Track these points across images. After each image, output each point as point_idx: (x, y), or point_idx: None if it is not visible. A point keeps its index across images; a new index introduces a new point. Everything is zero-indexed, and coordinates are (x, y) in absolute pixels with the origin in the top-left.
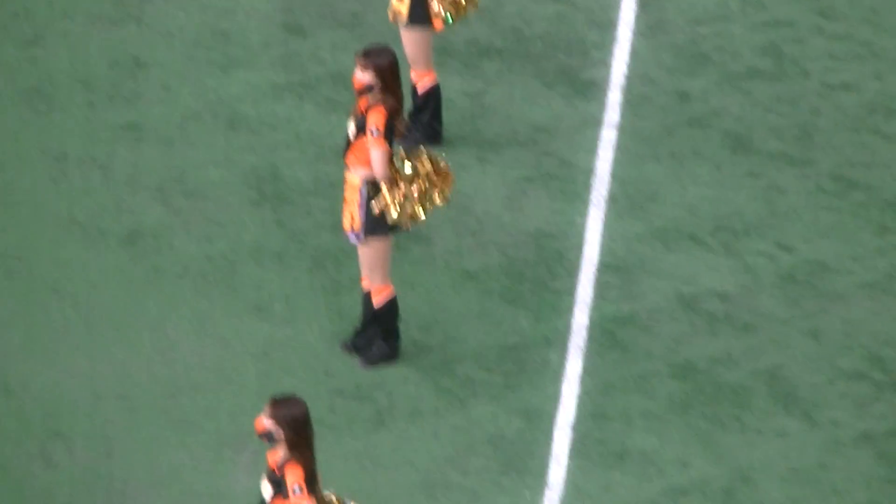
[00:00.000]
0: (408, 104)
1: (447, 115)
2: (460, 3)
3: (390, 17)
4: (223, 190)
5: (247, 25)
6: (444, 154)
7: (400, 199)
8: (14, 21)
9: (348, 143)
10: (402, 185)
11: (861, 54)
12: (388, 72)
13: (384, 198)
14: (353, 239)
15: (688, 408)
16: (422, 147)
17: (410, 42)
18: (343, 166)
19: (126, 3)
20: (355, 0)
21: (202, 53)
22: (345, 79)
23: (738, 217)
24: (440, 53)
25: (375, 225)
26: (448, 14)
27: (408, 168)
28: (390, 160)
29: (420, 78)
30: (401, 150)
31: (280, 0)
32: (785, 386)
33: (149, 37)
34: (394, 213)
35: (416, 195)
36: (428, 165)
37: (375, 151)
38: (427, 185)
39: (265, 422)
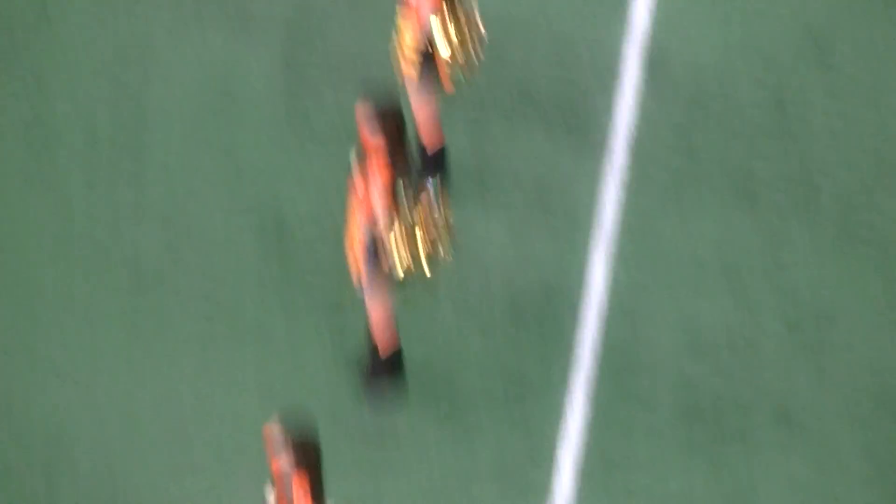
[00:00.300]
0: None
1: (453, 172)
2: (469, 63)
3: (399, 78)
4: (227, 240)
5: (250, 83)
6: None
7: (405, 256)
8: (14, 100)
9: (355, 199)
10: (408, 240)
11: (866, 108)
12: (393, 131)
13: (389, 253)
14: (360, 293)
15: (694, 451)
16: (424, 202)
17: (418, 103)
18: (348, 221)
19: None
20: (362, 59)
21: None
22: (350, 135)
23: (745, 267)
24: (443, 110)
25: (382, 278)
26: (459, 74)
27: (415, 223)
28: (395, 216)
29: (427, 136)
30: (408, 206)
31: (282, 58)
32: (792, 426)
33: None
34: (397, 270)
35: (421, 251)
36: (437, 220)
37: (380, 208)
38: (433, 241)
39: (282, 464)
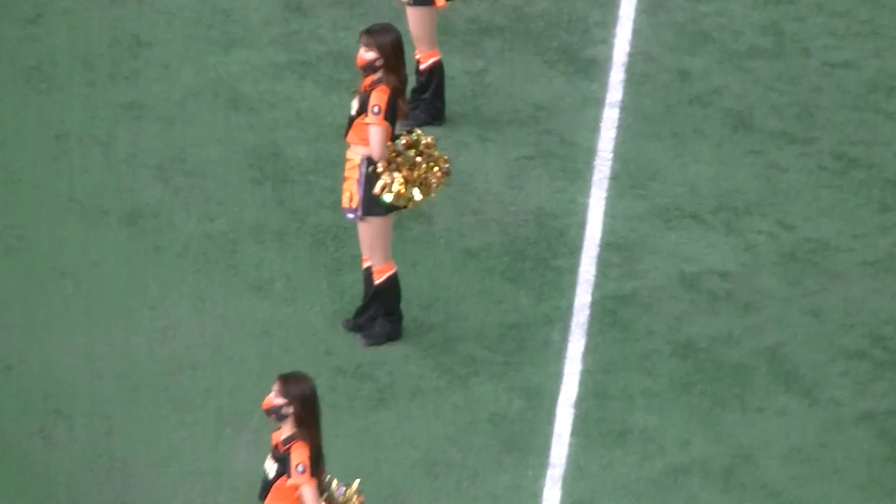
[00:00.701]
0: (411, 82)
1: (449, 94)
2: None
3: None
4: (223, 168)
5: (247, 4)
6: (445, 134)
7: (399, 180)
8: (14, 0)
9: (350, 122)
10: (401, 165)
11: (861, 32)
12: (391, 50)
13: (382, 177)
14: (351, 216)
15: (689, 386)
16: (419, 130)
17: (415, 21)
18: (344, 145)
19: None
20: None
21: (202, 32)
22: (345, 58)
23: (740, 195)
24: (442, 32)
25: (373, 203)
26: None
27: (408, 149)
28: (389, 139)
29: (424, 57)
30: (403, 131)
31: None
32: (786, 365)
33: (149, 15)
34: (388, 195)
35: (415, 176)
36: (429, 148)
37: (374, 129)
38: (426, 167)
39: (274, 398)
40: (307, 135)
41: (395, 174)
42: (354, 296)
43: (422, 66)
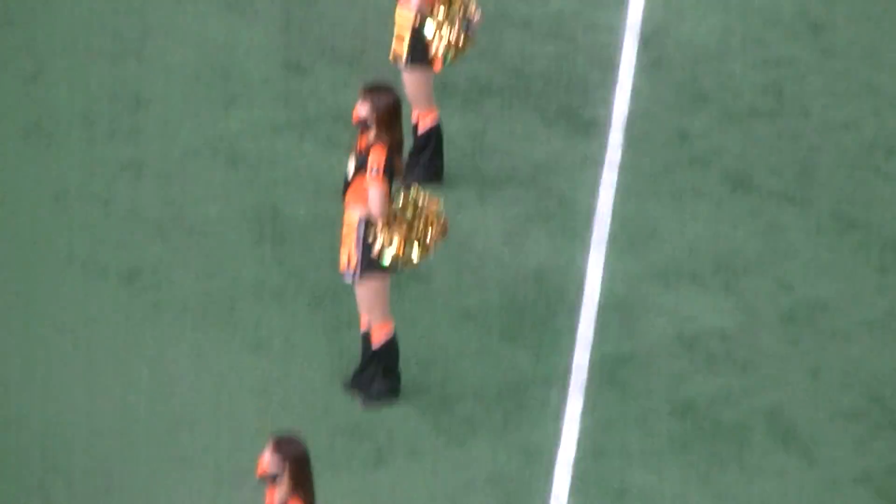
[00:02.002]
0: (409, 143)
1: (447, 153)
2: (458, 43)
3: (391, 58)
4: (222, 226)
5: (246, 62)
6: (444, 193)
7: (397, 240)
8: (15, 56)
9: (347, 182)
10: (399, 226)
11: (861, 92)
12: (385, 111)
13: (381, 237)
14: (349, 278)
15: (687, 446)
16: (418, 188)
17: (411, 82)
18: (342, 203)
19: (126, 39)
20: (355, 37)
21: (202, 90)
22: (344, 117)
23: (738, 255)
24: (441, 92)
25: (371, 264)
26: (447, 54)
27: (406, 209)
28: (388, 199)
29: (421, 117)
30: (401, 190)
31: (280, 36)
32: (784, 424)
33: (149, 73)
34: (388, 255)
35: (412, 237)
36: (429, 206)
37: (374, 190)
38: (424, 226)
39: (268, 461)
40: (306, 193)
41: (394, 234)
42: (353, 355)
43: (420, 127)
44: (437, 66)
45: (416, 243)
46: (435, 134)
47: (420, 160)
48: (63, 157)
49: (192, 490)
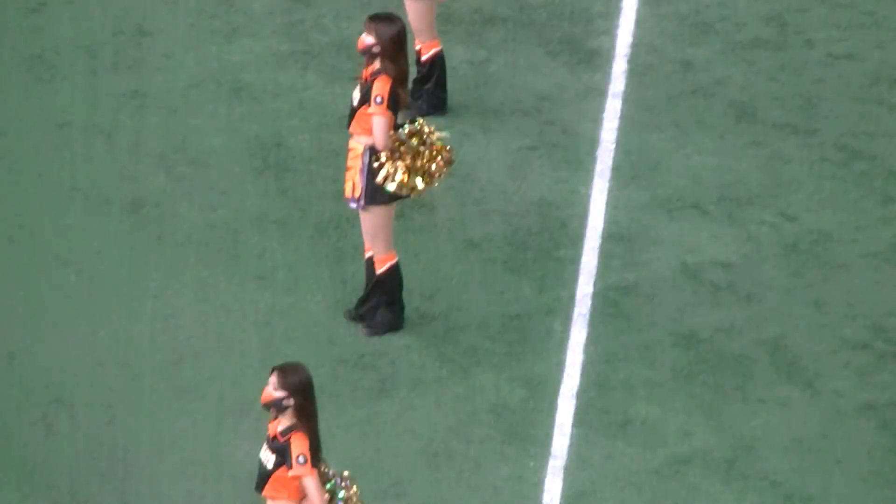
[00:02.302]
0: (413, 73)
1: (451, 84)
2: None
3: None
4: (226, 158)
5: None
6: (448, 124)
7: (402, 169)
8: None
9: (352, 111)
10: (404, 155)
11: (864, 24)
12: (390, 40)
13: (384, 167)
14: (353, 206)
15: (690, 377)
16: (422, 119)
17: (414, 12)
18: (346, 134)
19: None
20: None
21: (205, 22)
22: (348, 47)
23: (742, 186)
24: (444, 22)
25: (376, 192)
26: None
27: (411, 138)
28: (392, 129)
29: (424, 47)
30: (406, 120)
31: None
32: (787, 356)
33: (152, 4)
34: (391, 184)
35: (418, 165)
36: (432, 137)
37: (378, 119)
38: (429, 156)
39: (273, 390)
40: (310, 124)
41: (398, 163)
42: (356, 286)
43: (423, 58)
44: None
45: (420, 173)
46: (438, 64)
47: (423, 90)
48: (66, 89)
49: (196, 421)
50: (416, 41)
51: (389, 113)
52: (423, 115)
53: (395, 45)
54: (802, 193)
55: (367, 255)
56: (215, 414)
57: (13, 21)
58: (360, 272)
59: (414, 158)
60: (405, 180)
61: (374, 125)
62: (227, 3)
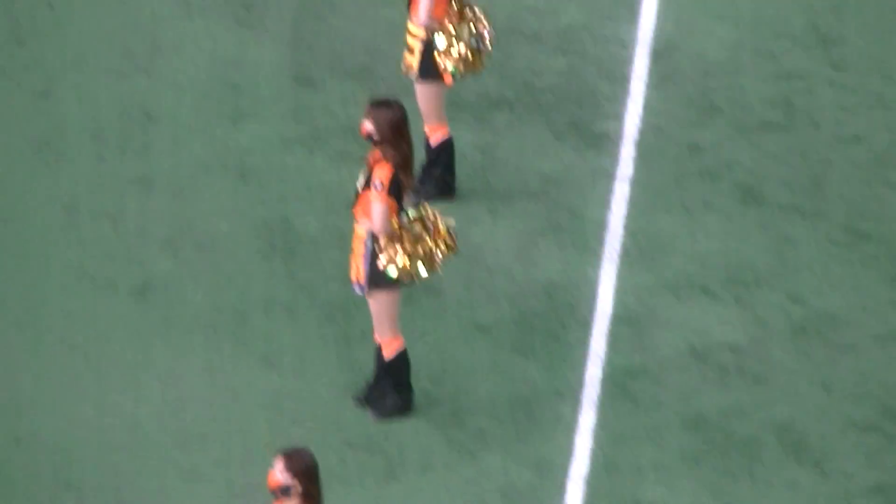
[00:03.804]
0: (421, 157)
1: (458, 168)
2: (470, 57)
3: (403, 70)
4: (233, 241)
5: (257, 77)
6: (455, 207)
7: (402, 255)
8: (25, 72)
9: (357, 195)
10: (405, 241)
11: (872, 105)
12: (388, 126)
13: (385, 252)
14: (358, 290)
15: (699, 460)
16: (427, 204)
17: (422, 96)
18: (353, 217)
19: (136, 56)
20: (365, 52)
21: (212, 106)
22: (354, 130)
23: (749, 268)
24: (452, 106)
25: (379, 278)
26: (456, 69)
27: (414, 224)
28: (393, 215)
29: (433, 132)
30: (410, 206)
31: (290, 52)
32: (796, 437)
33: (158, 89)
34: (393, 270)
35: (420, 252)
36: (437, 223)
37: (377, 206)
38: (432, 242)
39: (279, 475)
40: (316, 207)
41: (399, 249)
42: (364, 369)
43: (431, 142)
44: (448, 80)
45: (422, 258)
46: (446, 148)
47: (431, 175)
48: (73, 173)
49: None
50: (425, 125)
51: (390, 199)
52: (430, 199)
53: (393, 131)
54: (810, 275)
55: (376, 339)
56: (223, 498)
57: (20, 105)
58: (367, 355)
59: (415, 244)
60: (406, 266)
61: (374, 211)
62: (234, 88)
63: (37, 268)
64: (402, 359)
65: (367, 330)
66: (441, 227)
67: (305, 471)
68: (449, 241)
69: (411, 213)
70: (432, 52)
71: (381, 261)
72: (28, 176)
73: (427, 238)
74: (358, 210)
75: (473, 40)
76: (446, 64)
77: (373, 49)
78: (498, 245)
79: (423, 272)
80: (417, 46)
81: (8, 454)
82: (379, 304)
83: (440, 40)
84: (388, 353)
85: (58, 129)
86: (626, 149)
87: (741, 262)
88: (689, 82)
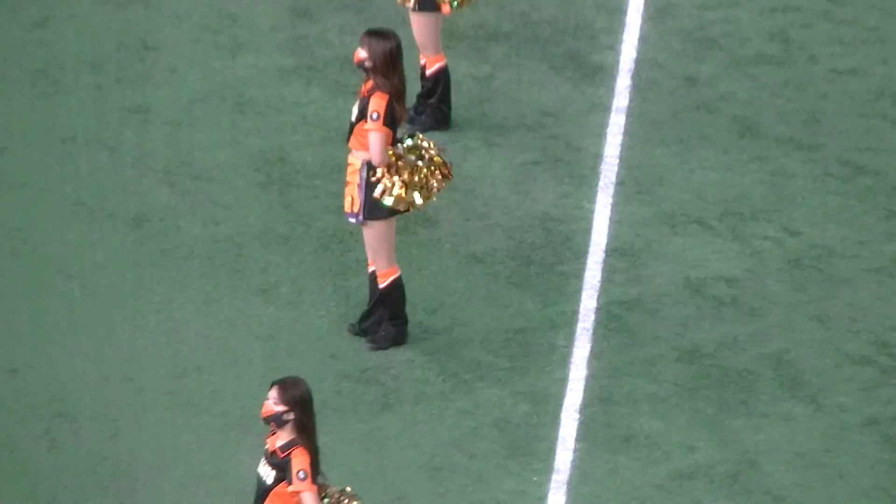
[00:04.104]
0: (417, 88)
1: (455, 99)
2: None
3: (398, 1)
4: (230, 172)
5: (254, 8)
6: (451, 138)
7: (399, 184)
8: (21, 2)
9: (350, 127)
10: (401, 170)
11: (868, 39)
12: (382, 55)
13: (381, 181)
14: (353, 220)
15: (694, 392)
16: (422, 135)
17: (419, 27)
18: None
19: None
20: None
21: (209, 36)
22: (352, 62)
23: (746, 201)
24: (448, 37)
25: (374, 207)
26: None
27: (410, 154)
28: (389, 144)
29: (429, 62)
30: (405, 135)
31: None
32: (791, 370)
33: (156, 19)
34: (388, 199)
35: (415, 180)
36: (431, 153)
37: (373, 135)
38: (427, 171)
39: (273, 405)
40: (313, 139)
41: (395, 178)
42: (360, 300)
43: (427, 72)
44: (446, 10)
45: (418, 188)
46: (443, 79)
47: (427, 105)
48: (70, 103)
49: (199, 435)
50: (421, 56)
51: (386, 129)
52: (426, 130)
53: (387, 61)
54: (806, 209)
55: (370, 269)
56: (219, 428)
57: (17, 35)
58: (363, 287)
59: (411, 173)
60: (402, 195)
61: (371, 141)
62: (231, 19)
63: (34, 198)
64: (398, 288)
65: (363, 261)
66: (436, 156)
67: (299, 400)
68: (444, 171)
69: (407, 142)
70: None
71: (377, 190)
72: (25, 106)
73: (423, 167)
74: (352, 140)
75: None
76: None
77: None
78: (494, 177)
79: (419, 200)
80: None
81: (4, 384)
82: (375, 234)
83: None
84: (384, 283)
85: (55, 59)
86: (623, 81)
87: (737, 194)
88: (685, 15)
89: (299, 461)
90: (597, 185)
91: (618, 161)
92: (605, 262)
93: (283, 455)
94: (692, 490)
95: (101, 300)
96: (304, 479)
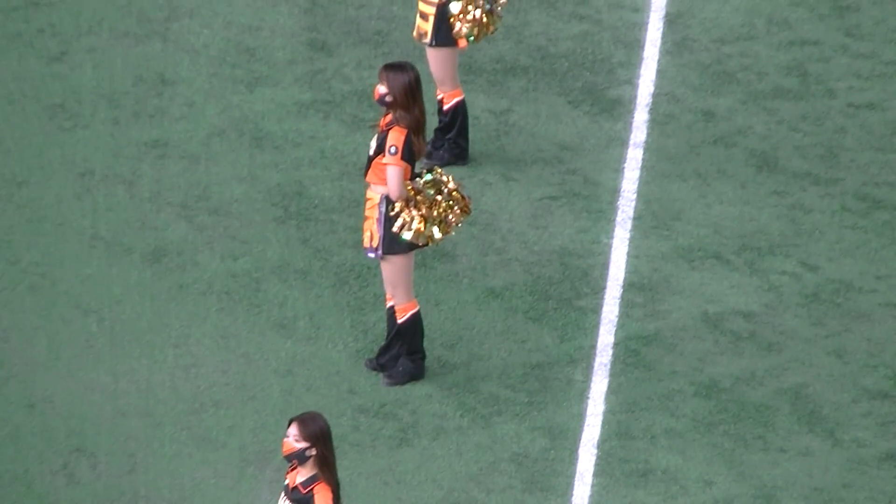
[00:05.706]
0: (434, 122)
1: (472, 134)
2: (484, 21)
3: (415, 36)
4: (247, 207)
5: (272, 43)
6: (469, 173)
7: (418, 218)
8: (40, 37)
9: (369, 161)
10: (420, 204)
11: (886, 73)
12: (402, 89)
13: (401, 216)
14: (372, 255)
15: (711, 426)
16: (440, 169)
17: (435, 61)
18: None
19: (151, 20)
20: (380, 18)
21: (227, 70)
22: (370, 97)
23: (763, 236)
24: (466, 72)
25: (393, 242)
26: (471, 33)
27: (428, 188)
28: (407, 179)
29: (446, 97)
30: (423, 170)
31: (305, 17)
32: (809, 405)
33: (174, 53)
34: (407, 233)
35: (434, 215)
36: (450, 187)
37: (391, 170)
38: (446, 205)
39: (294, 441)
40: (331, 173)
41: (414, 212)
42: (378, 335)
43: (445, 107)
44: (462, 44)
45: (437, 222)
46: (460, 113)
47: (445, 139)
48: (88, 138)
49: (217, 470)
50: (439, 90)
51: (404, 163)
52: (444, 165)
53: (406, 95)
54: (824, 243)
55: (389, 304)
56: (236, 463)
57: (35, 70)
58: (381, 321)
59: (430, 208)
60: (421, 229)
61: (388, 175)
62: (249, 53)
63: (52, 232)
64: (416, 323)
65: (381, 295)
66: (455, 190)
67: (320, 435)
68: (462, 205)
69: (427, 176)
70: (447, 18)
71: (396, 224)
72: (43, 140)
73: (441, 201)
74: (370, 176)
75: (487, 3)
76: (462, 28)
77: (387, 14)
78: (511, 211)
79: (438, 234)
80: (431, 12)
81: (22, 419)
82: (394, 269)
83: (455, 5)
84: (402, 317)
85: (72, 94)
86: (640, 115)
87: (755, 229)
88: (703, 49)
89: (322, 497)
90: (614, 219)
91: (635, 195)
92: (622, 296)
93: (305, 491)
94: None
95: (118, 335)
96: None
